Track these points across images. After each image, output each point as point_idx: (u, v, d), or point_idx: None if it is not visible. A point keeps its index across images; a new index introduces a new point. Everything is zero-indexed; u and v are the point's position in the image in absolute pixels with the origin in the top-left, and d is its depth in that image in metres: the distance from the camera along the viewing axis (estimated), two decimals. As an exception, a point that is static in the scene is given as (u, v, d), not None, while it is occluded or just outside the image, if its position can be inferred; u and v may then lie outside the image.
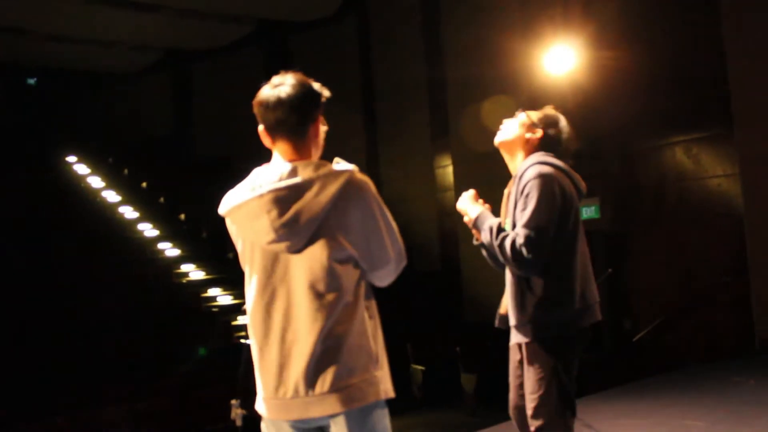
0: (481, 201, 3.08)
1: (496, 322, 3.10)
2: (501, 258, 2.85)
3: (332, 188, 2.01)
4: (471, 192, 3.10)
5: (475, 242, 3.13)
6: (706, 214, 8.77)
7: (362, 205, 2.03)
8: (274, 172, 2.07)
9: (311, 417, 2.03)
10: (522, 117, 3.08)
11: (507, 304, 3.03)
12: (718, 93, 8.56)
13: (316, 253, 2.01)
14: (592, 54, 8.87)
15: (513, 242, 2.77)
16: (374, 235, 2.06)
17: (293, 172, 2.05)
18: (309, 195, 2.00)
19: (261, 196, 2.03)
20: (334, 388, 1.99)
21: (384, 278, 2.16)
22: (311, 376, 2.00)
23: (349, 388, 2.00)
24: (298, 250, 2.03)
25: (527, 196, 2.82)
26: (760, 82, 8.23)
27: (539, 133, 3.03)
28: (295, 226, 2.00)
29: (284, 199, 2.02)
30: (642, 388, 6.64)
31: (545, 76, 8.96)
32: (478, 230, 2.97)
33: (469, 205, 3.04)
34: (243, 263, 2.17)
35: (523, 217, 2.80)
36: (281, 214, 2.01)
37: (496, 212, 3.12)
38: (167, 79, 17.25)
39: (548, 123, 3.05)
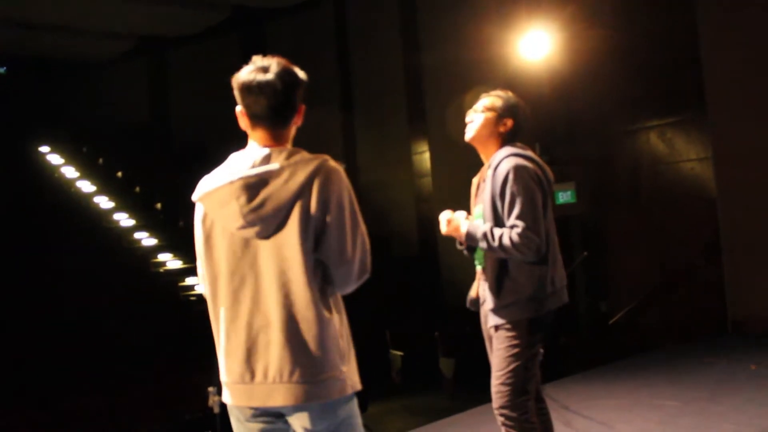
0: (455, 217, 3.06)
1: (467, 304, 3.21)
2: (503, 254, 2.90)
3: (301, 175, 2.00)
4: (445, 214, 3.08)
5: (459, 246, 3.19)
6: (680, 198, 8.87)
7: (328, 192, 2.01)
8: (248, 158, 2.07)
9: (273, 405, 2.03)
10: (485, 112, 3.09)
11: (480, 288, 3.12)
12: (692, 77, 8.65)
13: (285, 240, 2.01)
14: (568, 39, 8.89)
15: (510, 236, 2.85)
16: (336, 225, 2.01)
17: (266, 159, 2.05)
18: (278, 182, 2.00)
19: (232, 182, 2.04)
20: (302, 380, 1.99)
21: (343, 281, 2.05)
22: (279, 363, 2.00)
23: (315, 383, 2.00)
24: (267, 236, 2.03)
25: (510, 189, 2.89)
26: (732, 66, 8.31)
27: (510, 123, 3.07)
28: (263, 212, 2.00)
29: (254, 185, 2.02)
30: (618, 369, 6.74)
31: (521, 61, 8.98)
32: (475, 243, 2.99)
33: (454, 227, 3.02)
34: (200, 251, 2.15)
35: (514, 210, 2.87)
36: (250, 200, 2.01)
37: (466, 200, 3.14)
38: (142, 66, 17.04)
39: (514, 110, 3.09)
